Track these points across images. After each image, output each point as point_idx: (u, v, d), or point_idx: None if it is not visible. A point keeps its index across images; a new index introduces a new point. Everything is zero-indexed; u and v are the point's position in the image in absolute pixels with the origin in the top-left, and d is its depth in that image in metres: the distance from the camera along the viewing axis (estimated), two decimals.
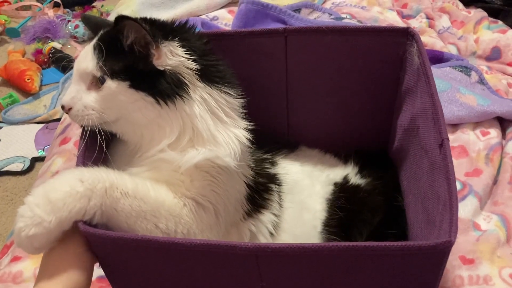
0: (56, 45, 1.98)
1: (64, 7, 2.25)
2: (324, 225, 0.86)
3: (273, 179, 0.86)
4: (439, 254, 0.54)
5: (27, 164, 1.53)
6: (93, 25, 0.77)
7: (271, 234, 0.80)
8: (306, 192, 0.89)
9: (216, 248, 0.53)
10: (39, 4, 2.25)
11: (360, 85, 0.91)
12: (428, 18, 1.68)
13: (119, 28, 0.66)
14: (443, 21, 1.67)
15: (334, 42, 0.86)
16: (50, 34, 2.03)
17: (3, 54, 2.00)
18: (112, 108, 0.68)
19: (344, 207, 0.86)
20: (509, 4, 1.73)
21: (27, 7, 2.26)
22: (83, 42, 2.10)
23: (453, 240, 0.52)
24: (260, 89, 0.91)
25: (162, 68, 0.67)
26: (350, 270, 0.56)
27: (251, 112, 0.79)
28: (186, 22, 0.76)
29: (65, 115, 1.36)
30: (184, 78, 0.68)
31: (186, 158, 0.67)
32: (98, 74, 0.67)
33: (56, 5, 2.23)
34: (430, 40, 1.54)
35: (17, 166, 1.53)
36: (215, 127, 0.70)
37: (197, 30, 0.77)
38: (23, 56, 1.94)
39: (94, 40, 0.70)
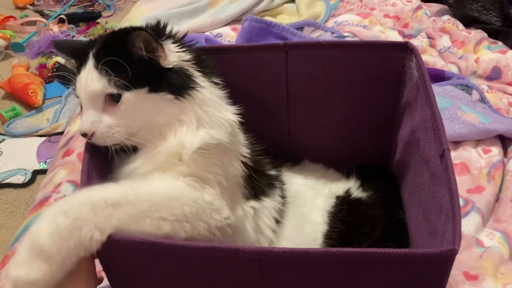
0: (60, 60, 2.00)
1: (69, 23, 2.27)
2: (325, 238, 0.86)
3: (275, 178, 0.87)
4: (443, 263, 0.53)
5: (29, 176, 1.53)
6: (67, 49, 0.77)
7: (277, 220, 0.81)
8: (308, 205, 0.89)
9: (219, 251, 0.53)
10: (44, 20, 2.27)
11: (360, 99, 0.92)
12: (429, 37, 1.70)
13: (130, 40, 0.67)
14: (444, 41, 1.69)
15: (333, 56, 0.87)
16: (54, 49, 2.05)
17: (7, 68, 2.01)
18: (135, 118, 0.69)
19: (345, 220, 0.86)
20: (508, 25, 1.75)
21: (32, 23, 2.29)
22: None
23: (457, 248, 0.52)
24: (262, 103, 0.92)
25: (170, 66, 0.70)
26: (353, 278, 0.56)
27: (252, 126, 0.80)
28: (158, 22, 0.76)
29: (68, 128, 1.37)
30: (187, 70, 0.72)
31: (187, 147, 0.68)
32: (115, 91, 0.67)
33: (61, 21, 2.25)
34: (431, 59, 1.56)
35: (19, 179, 1.53)
36: (215, 111, 0.72)
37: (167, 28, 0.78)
38: (27, 70, 1.95)
39: (92, 61, 0.69)
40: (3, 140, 1.67)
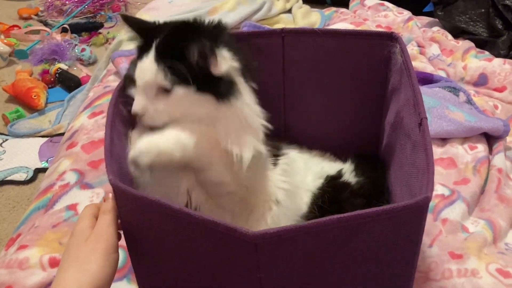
0: (63, 66, 2.06)
1: (72, 33, 2.34)
2: (303, 218, 0.87)
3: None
4: (419, 210, 0.58)
5: (31, 174, 1.57)
6: (135, 24, 0.80)
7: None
8: (298, 178, 0.91)
9: (218, 226, 0.55)
10: (47, 29, 2.34)
11: (350, 85, 0.97)
12: (419, 46, 1.77)
13: (187, 48, 0.71)
14: (433, 49, 1.76)
15: (326, 43, 0.93)
16: (57, 56, 2.12)
17: (11, 73, 2.08)
18: (179, 109, 0.75)
19: (323, 208, 0.87)
20: (495, 35, 1.83)
21: (36, 32, 2.36)
22: (88, 65, 2.18)
23: (430, 195, 0.56)
24: (259, 90, 0.96)
25: (220, 75, 0.74)
26: (344, 244, 0.58)
27: None
28: (221, 23, 0.80)
29: (72, 124, 1.42)
30: (234, 77, 0.76)
31: (245, 157, 0.74)
32: (168, 85, 0.73)
33: (64, 30, 2.32)
34: (420, 64, 1.62)
35: (21, 176, 1.57)
36: (249, 116, 0.77)
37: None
38: (30, 76, 2.01)
39: (154, 53, 0.73)
40: (7, 140, 1.72)
